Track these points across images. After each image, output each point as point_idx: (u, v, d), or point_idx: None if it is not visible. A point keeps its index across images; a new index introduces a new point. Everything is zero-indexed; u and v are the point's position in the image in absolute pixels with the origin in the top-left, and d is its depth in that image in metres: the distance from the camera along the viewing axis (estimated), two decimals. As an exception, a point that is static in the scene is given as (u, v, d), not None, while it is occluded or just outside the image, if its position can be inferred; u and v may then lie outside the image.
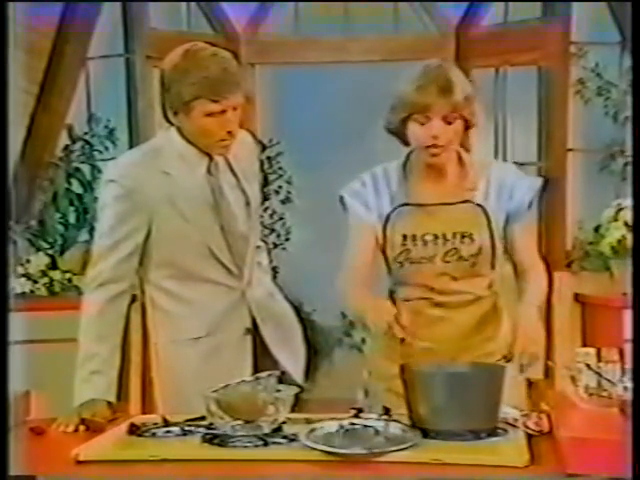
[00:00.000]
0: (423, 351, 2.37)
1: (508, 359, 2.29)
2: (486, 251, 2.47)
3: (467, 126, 2.44)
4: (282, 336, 2.76)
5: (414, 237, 2.48)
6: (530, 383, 2.60)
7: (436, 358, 2.35)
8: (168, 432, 2.25)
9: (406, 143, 2.48)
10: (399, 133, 2.46)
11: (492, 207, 2.48)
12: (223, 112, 2.49)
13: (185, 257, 2.62)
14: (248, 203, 2.69)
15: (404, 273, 2.53)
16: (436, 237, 2.47)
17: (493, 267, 2.52)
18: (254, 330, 2.69)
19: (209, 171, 2.62)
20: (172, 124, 2.59)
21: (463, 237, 2.46)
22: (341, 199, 2.58)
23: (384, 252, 2.52)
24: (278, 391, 2.26)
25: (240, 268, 2.66)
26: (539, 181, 2.58)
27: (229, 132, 2.53)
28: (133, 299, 2.64)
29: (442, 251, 2.47)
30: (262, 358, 2.68)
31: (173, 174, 2.58)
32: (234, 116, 2.51)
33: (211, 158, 2.62)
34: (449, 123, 2.38)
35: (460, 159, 2.51)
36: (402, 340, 2.30)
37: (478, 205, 2.48)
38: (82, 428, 2.36)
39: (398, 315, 2.30)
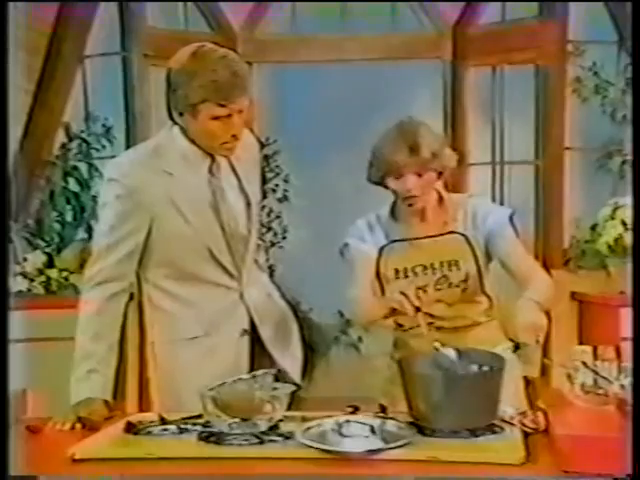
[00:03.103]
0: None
1: (517, 346, 2.36)
2: (473, 276, 2.61)
3: (440, 172, 2.60)
4: (280, 335, 2.75)
5: (405, 270, 2.62)
6: (527, 381, 2.62)
7: None
8: (164, 430, 2.25)
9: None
10: (381, 185, 2.64)
11: (471, 234, 2.62)
12: (229, 116, 2.47)
13: (185, 257, 2.61)
14: (249, 204, 2.68)
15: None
16: (425, 268, 2.62)
17: (485, 295, 2.66)
18: (251, 331, 2.69)
19: (211, 172, 2.61)
20: (176, 123, 2.57)
21: (450, 265, 2.61)
22: (345, 245, 2.71)
23: (381, 285, 2.64)
24: (274, 389, 2.26)
25: (239, 269, 2.66)
26: (509, 210, 2.70)
27: (234, 135, 2.52)
28: (131, 297, 2.64)
29: (433, 280, 2.60)
30: (259, 358, 2.67)
31: (175, 174, 2.56)
32: (239, 119, 2.50)
33: (213, 159, 2.61)
34: (420, 176, 2.56)
35: (440, 198, 2.67)
36: (418, 309, 2.41)
37: (461, 235, 2.62)
38: (78, 426, 2.36)
39: (405, 291, 2.43)
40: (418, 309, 2.42)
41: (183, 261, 2.62)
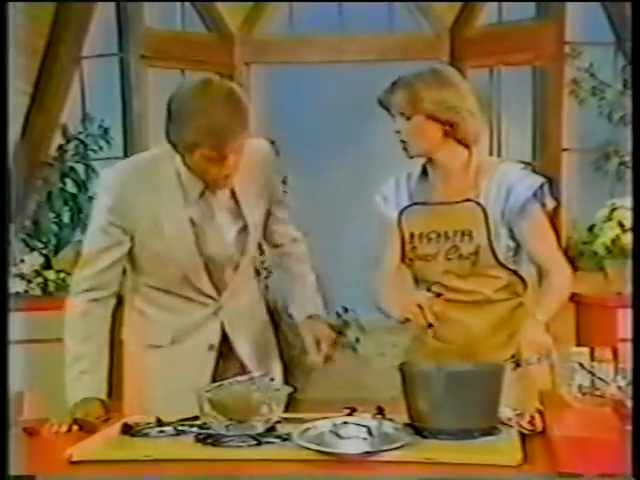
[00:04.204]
0: (436, 351, 2.48)
1: (516, 360, 2.38)
2: (484, 250, 2.52)
3: (443, 122, 2.50)
4: (259, 350, 2.70)
5: (421, 235, 2.58)
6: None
7: (448, 359, 2.42)
8: (161, 432, 2.25)
9: None
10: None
11: (490, 206, 2.53)
12: (224, 157, 2.39)
13: (163, 274, 2.60)
14: (245, 227, 2.61)
15: (415, 270, 2.63)
16: (439, 235, 2.55)
17: (506, 270, 2.55)
18: (219, 346, 2.64)
19: (203, 195, 2.54)
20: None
21: (463, 235, 2.53)
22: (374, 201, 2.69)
23: (403, 251, 2.62)
24: (271, 391, 2.26)
25: (219, 290, 2.62)
26: (539, 180, 2.57)
27: (226, 175, 2.44)
28: (119, 301, 2.64)
29: (444, 249, 2.55)
30: (231, 371, 2.61)
31: (164, 192, 2.51)
32: (235, 158, 2.41)
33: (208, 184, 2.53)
34: (408, 119, 2.51)
35: (469, 160, 2.57)
36: (430, 325, 2.41)
37: (478, 204, 2.53)
38: (75, 428, 2.36)
39: (422, 304, 2.42)
40: (430, 325, 2.41)
41: (161, 277, 2.61)
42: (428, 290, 2.57)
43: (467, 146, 2.56)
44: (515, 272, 2.58)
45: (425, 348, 2.56)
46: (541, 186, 2.54)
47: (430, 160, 2.57)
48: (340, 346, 2.39)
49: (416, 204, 2.61)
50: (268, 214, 2.69)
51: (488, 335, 2.55)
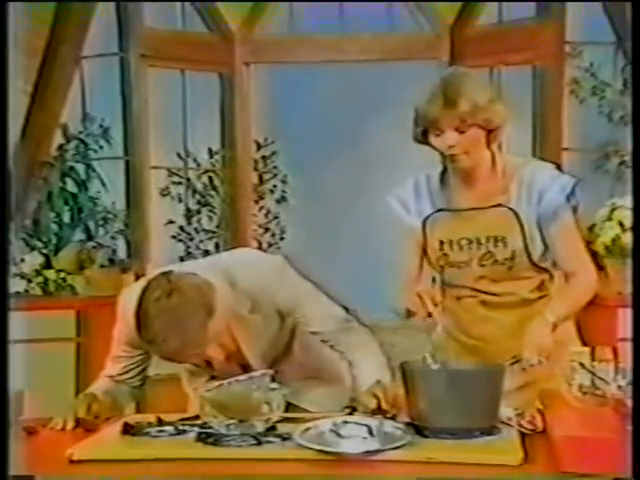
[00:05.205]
0: (470, 349, 2.45)
1: (517, 360, 2.34)
2: (520, 255, 2.46)
3: (489, 129, 2.41)
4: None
5: (450, 242, 2.50)
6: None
7: (482, 356, 2.41)
8: (162, 431, 2.25)
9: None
10: (426, 143, 2.46)
11: (523, 210, 2.46)
12: (194, 359, 2.34)
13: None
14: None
15: (446, 276, 2.55)
16: (470, 242, 2.48)
17: (539, 269, 2.50)
18: None
19: None
20: None
21: (496, 241, 2.46)
22: (388, 204, 2.61)
23: (427, 255, 2.55)
24: (272, 390, 2.26)
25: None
26: (572, 182, 2.52)
27: (209, 358, 2.36)
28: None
29: (477, 255, 2.48)
30: None
31: None
32: (211, 348, 2.29)
33: None
34: (462, 132, 2.38)
35: (494, 162, 2.49)
36: (429, 315, 2.33)
37: (510, 209, 2.46)
38: (71, 425, 2.36)
39: (421, 293, 2.35)
40: (429, 315, 2.34)
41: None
42: (433, 281, 2.53)
43: (489, 146, 2.46)
44: (545, 269, 2.52)
45: (457, 345, 2.54)
46: (572, 188, 2.50)
47: (452, 162, 2.45)
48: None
49: (440, 211, 2.52)
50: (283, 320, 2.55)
51: (523, 332, 2.45)
